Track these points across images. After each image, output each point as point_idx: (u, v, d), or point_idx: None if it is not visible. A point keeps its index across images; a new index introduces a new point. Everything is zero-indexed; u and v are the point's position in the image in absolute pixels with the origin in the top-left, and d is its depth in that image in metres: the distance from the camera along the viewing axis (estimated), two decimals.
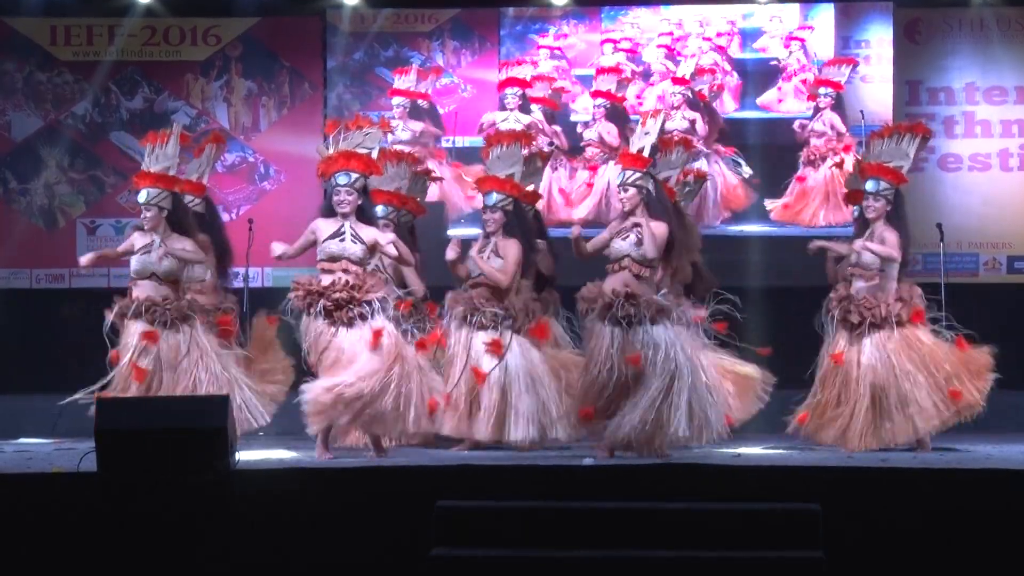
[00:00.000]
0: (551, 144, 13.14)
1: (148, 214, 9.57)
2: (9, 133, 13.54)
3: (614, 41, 13.66)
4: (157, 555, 7.24)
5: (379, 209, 9.99)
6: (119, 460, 7.55)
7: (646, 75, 13.66)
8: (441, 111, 13.43)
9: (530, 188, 10.16)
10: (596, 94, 13.36)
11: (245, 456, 8.25)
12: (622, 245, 9.25)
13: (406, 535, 7.18)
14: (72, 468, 7.82)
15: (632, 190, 9.28)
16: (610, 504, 7.32)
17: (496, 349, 9.54)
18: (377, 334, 8.97)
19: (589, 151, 13.39)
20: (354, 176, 9.29)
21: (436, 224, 12.49)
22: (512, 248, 9.63)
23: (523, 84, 13.19)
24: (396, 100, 13.18)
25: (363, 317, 9.05)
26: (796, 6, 13.57)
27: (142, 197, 9.60)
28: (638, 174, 9.30)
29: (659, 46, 13.61)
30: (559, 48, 13.64)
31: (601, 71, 13.38)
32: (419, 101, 13.23)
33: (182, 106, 13.64)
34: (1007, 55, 13.43)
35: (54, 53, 13.62)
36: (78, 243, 13.35)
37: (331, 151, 9.48)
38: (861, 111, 13.23)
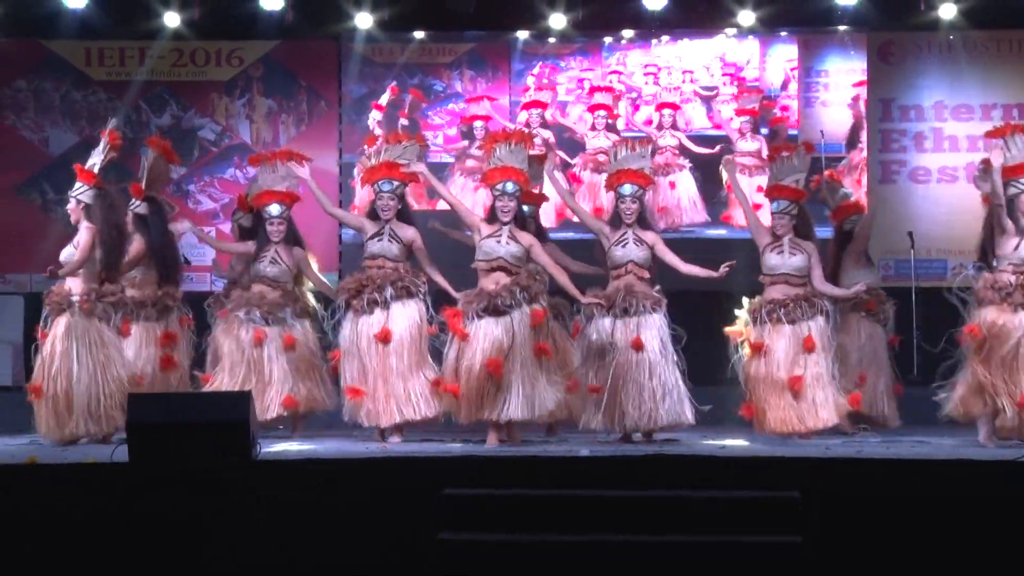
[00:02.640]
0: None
1: (69, 206, 9.95)
2: (47, 148, 13.57)
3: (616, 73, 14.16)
4: (184, 536, 7.24)
5: (273, 208, 10.36)
6: (149, 451, 7.56)
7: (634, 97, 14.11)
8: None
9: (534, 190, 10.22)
10: (595, 107, 13.80)
11: (267, 448, 8.27)
12: (624, 252, 9.70)
13: (414, 521, 7.18)
14: (105, 459, 7.82)
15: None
16: (605, 492, 7.32)
17: (455, 324, 9.37)
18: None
19: (601, 157, 13.46)
20: (396, 184, 9.93)
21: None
22: (527, 234, 9.52)
23: (543, 106, 13.89)
24: (373, 114, 13.76)
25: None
26: (753, 42, 13.92)
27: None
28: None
29: (646, 74, 14.08)
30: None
31: (596, 89, 13.91)
32: (401, 119, 13.74)
33: (207, 123, 13.67)
34: (973, 75, 13.45)
35: (89, 73, 13.65)
36: None
37: (373, 162, 10.08)
38: (821, 131, 13.38)
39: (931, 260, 13.21)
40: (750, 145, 13.74)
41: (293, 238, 10.51)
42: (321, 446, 9.37)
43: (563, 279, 9.56)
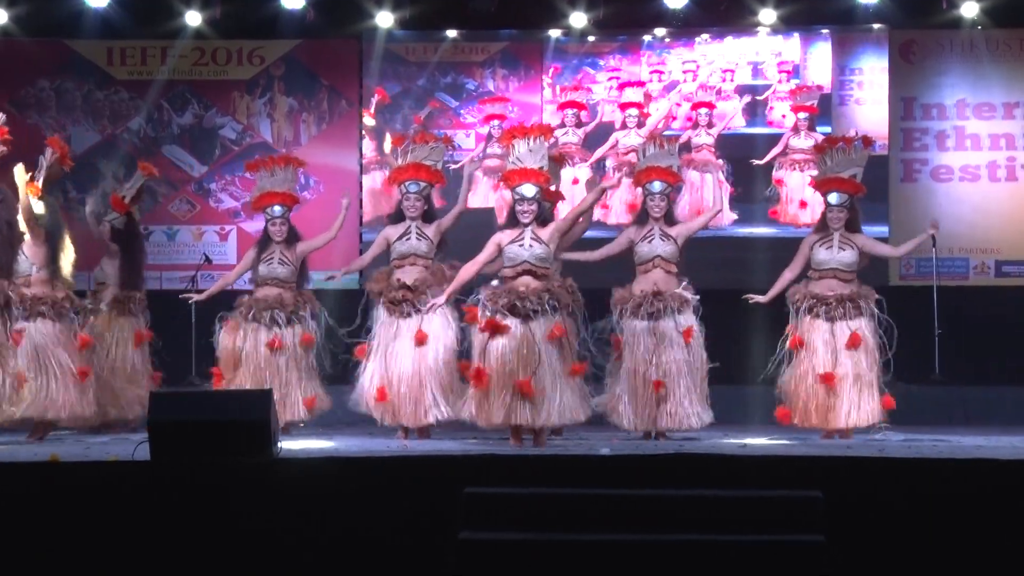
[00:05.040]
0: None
1: None
2: (69, 146, 13.56)
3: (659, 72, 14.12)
4: (204, 536, 7.24)
5: (276, 209, 10.45)
6: (170, 449, 7.56)
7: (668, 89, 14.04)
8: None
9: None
10: (626, 105, 13.76)
11: (287, 445, 8.27)
12: (651, 247, 9.75)
13: (436, 520, 7.16)
14: (127, 456, 7.83)
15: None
16: (625, 491, 7.29)
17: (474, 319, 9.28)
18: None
19: (632, 156, 13.31)
20: (423, 184, 10.05)
21: (487, 231, 12.38)
22: (549, 230, 9.30)
23: (580, 106, 13.83)
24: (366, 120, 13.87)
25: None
26: (796, 39, 13.80)
27: None
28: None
29: (684, 72, 14.03)
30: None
31: (626, 85, 13.87)
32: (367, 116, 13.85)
33: (229, 121, 13.69)
34: (995, 73, 13.39)
35: (111, 72, 13.67)
36: None
37: (400, 162, 10.14)
38: (855, 131, 13.24)
39: (953, 259, 13.16)
40: (805, 142, 13.54)
41: (294, 238, 10.55)
42: (342, 444, 9.37)
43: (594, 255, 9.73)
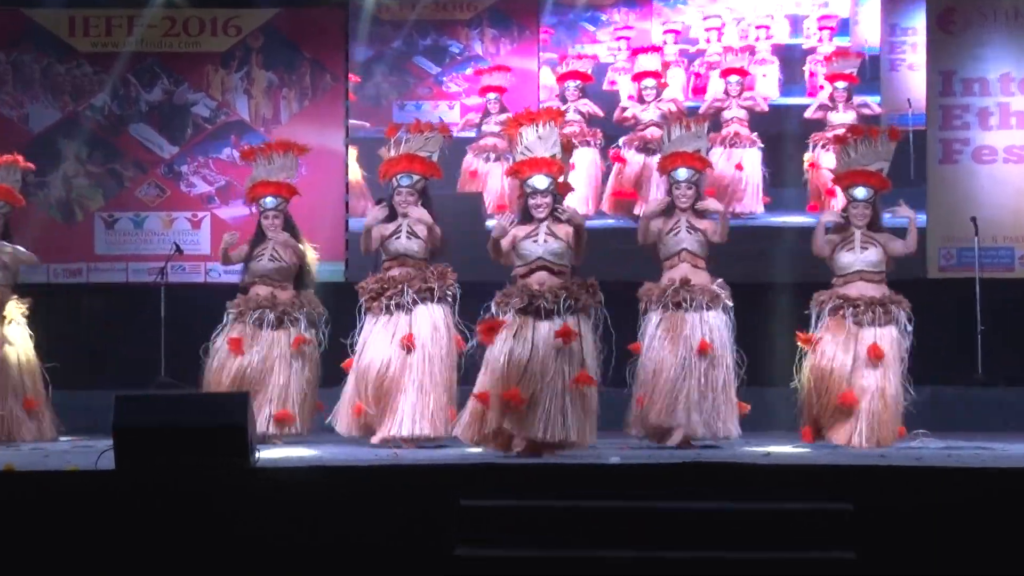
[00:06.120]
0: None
1: None
2: (27, 125, 13.57)
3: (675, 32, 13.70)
4: (175, 554, 7.23)
5: (268, 201, 10.40)
6: (137, 458, 7.54)
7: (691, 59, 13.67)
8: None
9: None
10: (641, 75, 13.36)
11: (266, 455, 8.24)
12: (677, 239, 9.77)
13: (428, 535, 7.15)
14: (90, 466, 7.81)
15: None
16: (638, 503, 7.28)
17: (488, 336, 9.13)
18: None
19: (650, 132, 13.22)
20: (416, 178, 9.94)
21: (472, 216, 12.42)
22: (566, 228, 9.07)
23: (585, 78, 13.42)
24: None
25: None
26: None
27: None
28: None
29: (707, 30, 13.60)
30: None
31: (639, 51, 13.43)
32: None
33: (202, 98, 13.66)
34: None
35: (73, 44, 13.65)
36: (96, 237, 13.40)
37: (393, 153, 10.00)
38: (908, 99, 13.22)
39: (997, 248, 13.14)
40: (845, 117, 13.21)
41: (291, 233, 10.51)
42: (326, 451, 9.35)
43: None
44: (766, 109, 13.51)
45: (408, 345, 9.67)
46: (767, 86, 13.59)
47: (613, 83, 13.71)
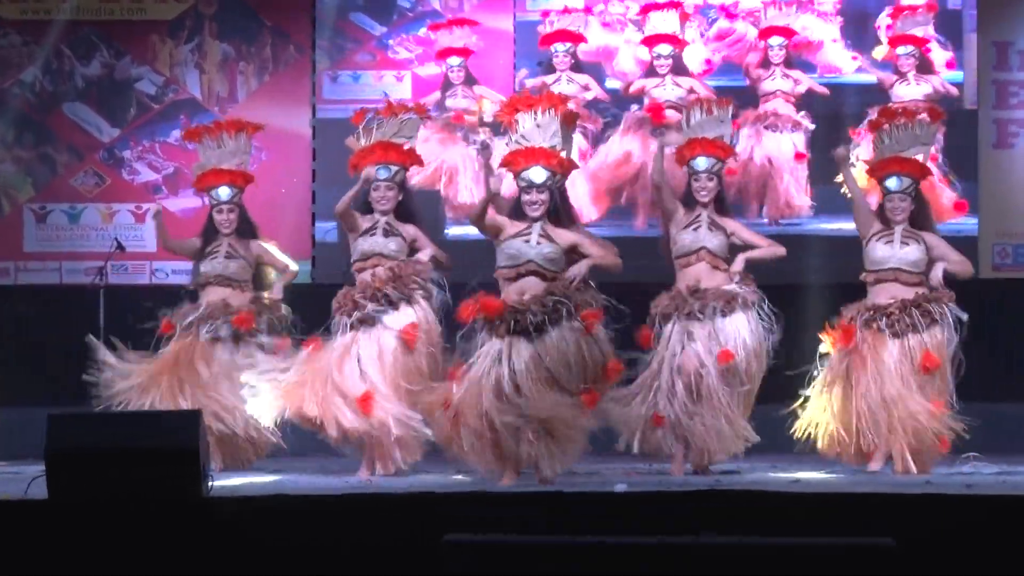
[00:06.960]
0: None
1: None
2: None
3: None
4: None
5: (222, 192, 10.45)
6: (73, 485, 7.54)
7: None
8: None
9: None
10: (654, 39, 12.74)
11: (220, 482, 8.25)
12: (696, 236, 9.77)
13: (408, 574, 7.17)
14: (19, 495, 7.81)
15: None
16: (646, 539, 7.29)
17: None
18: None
19: (669, 114, 12.51)
20: (394, 169, 9.84)
21: (430, 222, 12.22)
22: (566, 233, 9.15)
23: (576, 39, 12.89)
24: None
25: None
26: None
27: None
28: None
29: None
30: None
31: (651, 7, 12.82)
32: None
33: (147, 72, 13.65)
34: None
35: None
36: (25, 232, 13.38)
37: (364, 142, 9.91)
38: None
39: None
40: (915, 90, 12.82)
41: (247, 228, 10.51)
42: (289, 479, 9.37)
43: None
44: (826, 91, 13.01)
45: (410, 334, 9.68)
46: (836, 53, 13.00)
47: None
